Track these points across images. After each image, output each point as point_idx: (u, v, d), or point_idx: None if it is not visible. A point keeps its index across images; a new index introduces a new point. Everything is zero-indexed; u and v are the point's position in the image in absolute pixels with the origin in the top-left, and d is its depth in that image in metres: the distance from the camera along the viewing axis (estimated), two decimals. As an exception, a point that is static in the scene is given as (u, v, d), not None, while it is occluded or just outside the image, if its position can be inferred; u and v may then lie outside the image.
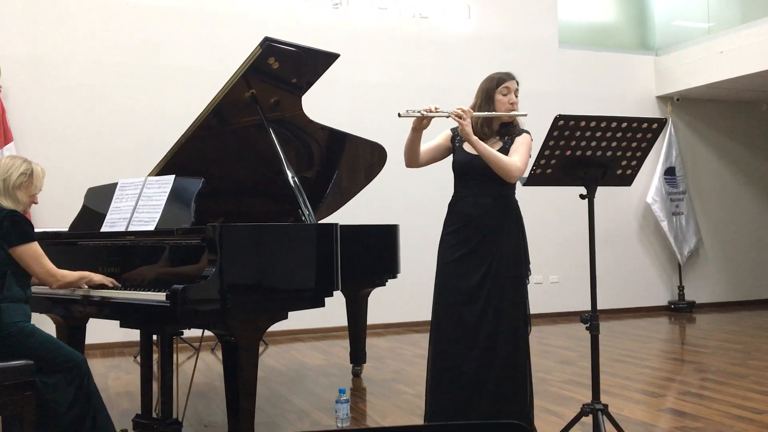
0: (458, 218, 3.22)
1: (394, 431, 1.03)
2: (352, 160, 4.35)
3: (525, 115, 3.20)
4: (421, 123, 3.12)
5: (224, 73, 3.50)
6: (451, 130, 3.35)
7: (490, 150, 3.07)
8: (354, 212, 4.63)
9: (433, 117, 3.08)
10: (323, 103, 5.54)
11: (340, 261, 3.19)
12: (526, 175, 3.03)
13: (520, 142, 3.17)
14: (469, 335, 3.11)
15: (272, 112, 3.67)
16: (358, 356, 4.90)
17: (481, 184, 3.16)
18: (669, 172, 8.16)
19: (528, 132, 3.23)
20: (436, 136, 3.35)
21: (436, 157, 3.34)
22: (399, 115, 3.01)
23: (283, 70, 3.50)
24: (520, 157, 3.11)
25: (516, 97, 3.23)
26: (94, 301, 3.07)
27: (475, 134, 3.12)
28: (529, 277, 3.24)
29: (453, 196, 3.29)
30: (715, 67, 7.45)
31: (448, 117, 3.07)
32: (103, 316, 3.16)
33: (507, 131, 3.23)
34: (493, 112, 3.17)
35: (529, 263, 3.24)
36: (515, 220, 3.22)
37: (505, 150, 3.16)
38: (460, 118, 3.03)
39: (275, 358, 5.60)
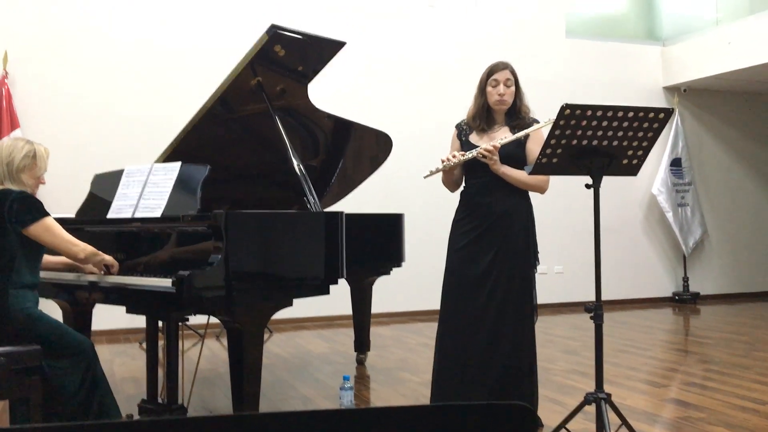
0: (468, 205, 3.26)
1: (395, 411, 1.03)
2: (358, 149, 4.35)
3: (546, 124, 2.99)
4: (449, 170, 3.19)
5: (234, 57, 3.50)
6: (456, 127, 3.37)
7: (517, 176, 3.13)
8: (359, 201, 4.63)
9: (459, 163, 3.14)
10: (328, 87, 5.54)
11: (345, 249, 3.19)
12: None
13: (538, 143, 3.07)
14: (475, 322, 3.13)
15: (278, 100, 3.66)
16: (362, 344, 4.92)
17: (490, 174, 3.17)
18: (675, 163, 8.12)
19: (538, 121, 3.22)
20: (437, 138, 3.36)
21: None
22: (425, 177, 3.10)
23: (289, 58, 3.50)
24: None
25: (508, 87, 3.21)
26: (101, 287, 3.09)
27: (474, 130, 3.22)
28: (536, 267, 3.26)
29: (464, 186, 3.33)
30: (723, 58, 7.38)
31: (474, 157, 3.10)
32: (110, 301, 3.18)
33: (515, 121, 3.24)
34: (514, 135, 3.13)
35: (537, 252, 3.25)
36: (525, 208, 3.23)
37: (519, 143, 3.17)
38: (486, 156, 3.07)
39: (280, 346, 5.62)
